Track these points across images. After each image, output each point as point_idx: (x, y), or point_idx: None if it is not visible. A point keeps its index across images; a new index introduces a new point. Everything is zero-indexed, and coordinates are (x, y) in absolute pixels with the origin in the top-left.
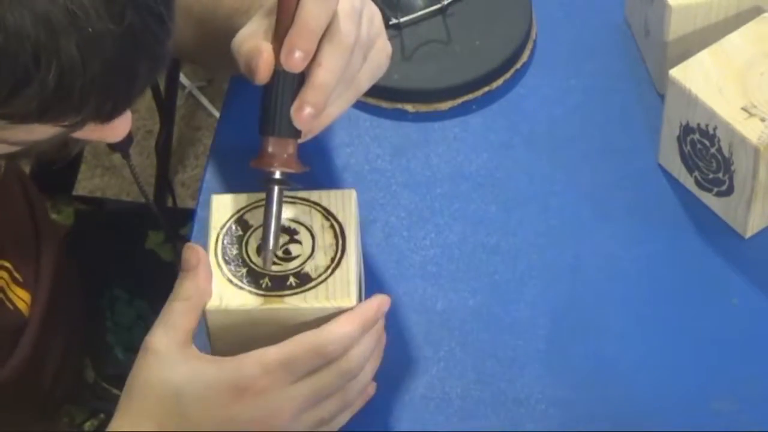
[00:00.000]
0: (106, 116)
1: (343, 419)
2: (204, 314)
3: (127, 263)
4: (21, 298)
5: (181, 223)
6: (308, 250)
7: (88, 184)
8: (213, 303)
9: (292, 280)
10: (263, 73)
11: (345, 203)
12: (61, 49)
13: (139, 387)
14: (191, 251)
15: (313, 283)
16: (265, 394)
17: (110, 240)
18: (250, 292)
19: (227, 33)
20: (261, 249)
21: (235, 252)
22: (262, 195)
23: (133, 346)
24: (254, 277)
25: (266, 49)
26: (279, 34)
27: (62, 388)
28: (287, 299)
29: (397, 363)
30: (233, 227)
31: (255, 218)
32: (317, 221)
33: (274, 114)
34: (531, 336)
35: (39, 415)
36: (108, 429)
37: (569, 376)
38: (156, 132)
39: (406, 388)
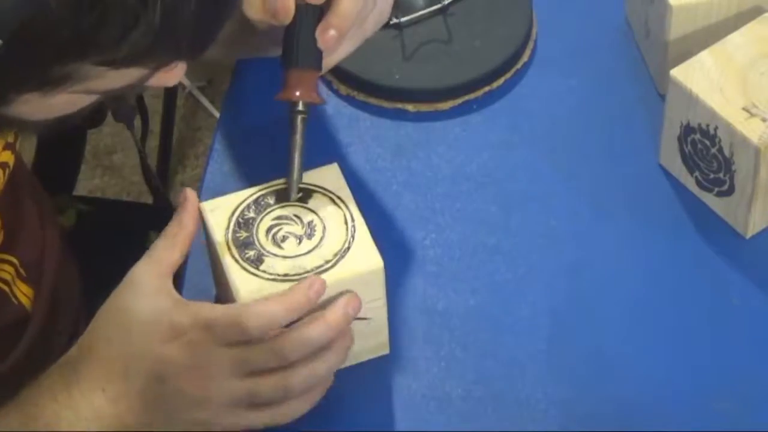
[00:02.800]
0: (196, 53)
1: (292, 409)
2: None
3: (128, 263)
4: (24, 294)
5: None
6: (290, 254)
7: (88, 184)
8: (206, 203)
9: (251, 253)
10: (289, 10)
11: (363, 266)
12: None
13: (106, 308)
14: (181, 192)
15: (251, 269)
16: (194, 346)
17: (111, 240)
18: (227, 228)
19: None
20: (286, 179)
21: (270, 202)
22: (343, 190)
23: None
24: (243, 225)
25: None
26: None
27: None
28: (227, 257)
29: (397, 363)
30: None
31: (317, 200)
32: (330, 249)
33: (296, 47)
34: (532, 336)
35: None
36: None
37: (570, 376)
38: (156, 132)
39: (407, 388)
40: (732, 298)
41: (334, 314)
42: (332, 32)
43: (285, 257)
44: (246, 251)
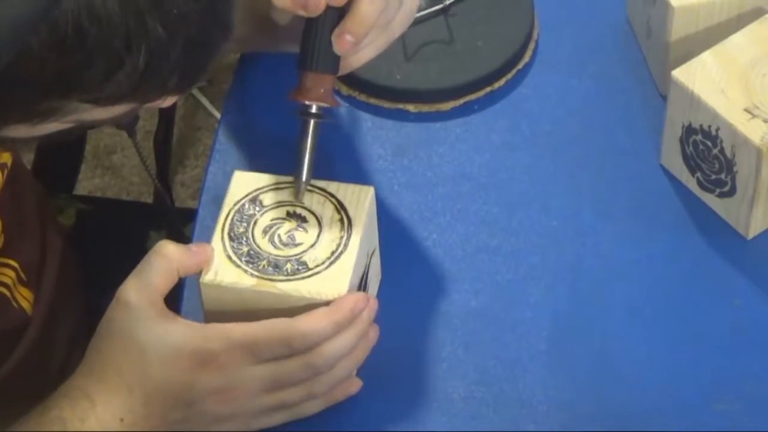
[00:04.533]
0: (184, 89)
1: (313, 407)
2: (199, 287)
3: (128, 263)
4: (25, 298)
5: (181, 223)
6: (312, 240)
7: (88, 184)
8: (208, 277)
9: (289, 266)
10: (321, 3)
11: (360, 199)
12: (149, 32)
13: (108, 335)
14: (207, 244)
15: (308, 273)
16: (225, 369)
17: (112, 240)
18: (246, 271)
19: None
20: (294, 181)
21: (241, 230)
22: (283, 177)
23: None
24: (253, 258)
25: None
26: None
27: None
28: (279, 284)
29: (398, 364)
30: (246, 205)
31: (270, 199)
32: (328, 213)
33: (313, 50)
34: (533, 337)
35: None
36: (78, 370)
37: (571, 377)
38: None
39: (408, 388)
40: (733, 299)
41: (362, 323)
42: (348, 37)
43: (313, 246)
44: (284, 268)
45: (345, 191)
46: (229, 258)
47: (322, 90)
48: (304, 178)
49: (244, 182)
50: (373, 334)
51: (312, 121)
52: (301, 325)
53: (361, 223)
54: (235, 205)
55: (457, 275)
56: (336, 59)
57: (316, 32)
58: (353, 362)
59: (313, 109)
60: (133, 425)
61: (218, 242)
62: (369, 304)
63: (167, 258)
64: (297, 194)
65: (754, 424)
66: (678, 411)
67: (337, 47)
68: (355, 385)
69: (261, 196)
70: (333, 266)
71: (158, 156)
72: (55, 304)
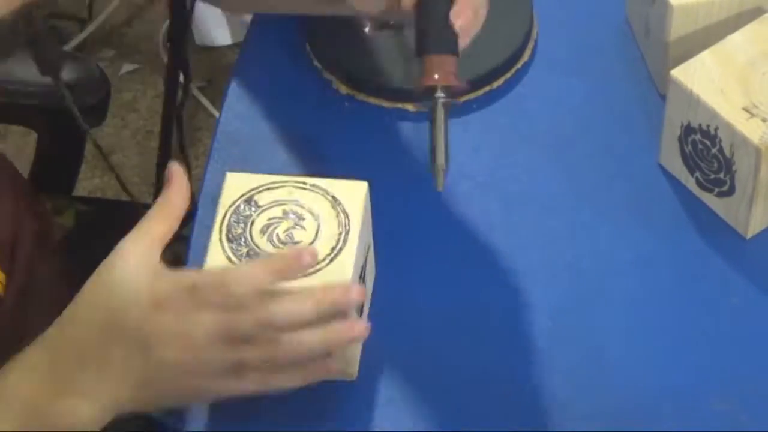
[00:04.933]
0: None
1: (286, 381)
2: None
3: None
4: None
5: (181, 224)
6: (311, 237)
7: (88, 184)
8: None
9: None
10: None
11: (355, 194)
12: None
13: (88, 285)
14: (168, 168)
15: (310, 270)
16: (177, 312)
17: (111, 240)
18: None
19: None
20: (431, 167)
21: (239, 231)
22: (276, 177)
23: None
24: (254, 258)
25: None
26: None
27: None
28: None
29: (397, 362)
30: (242, 206)
31: (265, 199)
32: (325, 209)
33: (431, 33)
34: (531, 336)
35: None
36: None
37: (570, 376)
38: (156, 132)
39: (406, 387)
40: (732, 298)
41: (323, 292)
42: (468, 13)
43: (312, 243)
44: None
45: (339, 187)
46: (230, 260)
47: (445, 71)
48: (442, 162)
49: (238, 183)
50: (359, 327)
51: (440, 103)
52: (236, 269)
53: (358, 218)
54: (230, 206)
55: (455, 274)
56: (454, 39)
57: (431, 15)
58: (321, 338)
59: (439, 92)
60: (100, 374)
61: (217, 245)
62: (352, 291)
63: (157, 205)
64: (436, 180)
65: (754, 423)
66: (676, 410)
67: (459, 24)
68: (334, 368)
69: (256, 197)
70: (335, 261)
71: (158, 156)
72: (30, 286)
